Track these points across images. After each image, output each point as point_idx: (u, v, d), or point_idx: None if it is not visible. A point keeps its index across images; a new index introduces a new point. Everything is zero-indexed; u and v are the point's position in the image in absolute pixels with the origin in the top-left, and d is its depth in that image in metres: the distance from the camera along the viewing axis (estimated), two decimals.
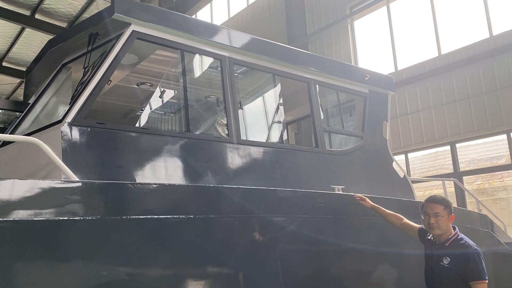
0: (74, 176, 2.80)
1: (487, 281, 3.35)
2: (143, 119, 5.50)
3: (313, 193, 4.01)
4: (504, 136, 8.39)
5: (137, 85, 4.96)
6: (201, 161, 3.74)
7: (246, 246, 3.41)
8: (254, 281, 3.44)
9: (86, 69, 3.55)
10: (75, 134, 3.11)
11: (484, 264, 3.39)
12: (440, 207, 3.52)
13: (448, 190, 7.16)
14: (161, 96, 5.00)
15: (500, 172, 8.54)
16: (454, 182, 7.47)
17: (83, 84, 3.35)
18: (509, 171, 8.31)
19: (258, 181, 3.99)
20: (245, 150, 4.10)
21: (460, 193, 8.36)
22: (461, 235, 3.58)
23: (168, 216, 3.01)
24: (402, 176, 5.56)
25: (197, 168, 3.68)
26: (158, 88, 5.01)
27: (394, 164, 5.56)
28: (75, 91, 3.44)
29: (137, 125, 5.39)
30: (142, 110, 5.48)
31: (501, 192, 8.52)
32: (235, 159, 4.02)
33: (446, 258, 3.51)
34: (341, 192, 4.36)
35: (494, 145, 8.75)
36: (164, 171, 3.51)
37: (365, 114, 5.37)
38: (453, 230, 3.59)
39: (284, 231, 3.66)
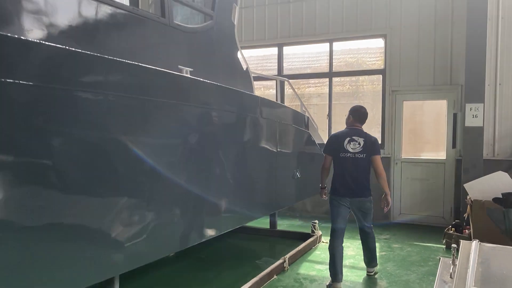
0: None
1: (323, 155, 5.03)
2: None
3: (159, 71, 3.23)
4: (327, 45, 8.75)
5: None
6: None
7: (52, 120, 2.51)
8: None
9: None
10: None
11: (327, 143, 5.00)
12: None
13: (272, 92, 7.15)
14: None
15: (317, 79, 9.03)
16: (286, 83, 7.53)
17: None
18: (325, 79, 8.84)
19: (85, 46, 2.98)
20: (70, 2, 2.98)
21: (279, 94, 8.56)
22: None
23: None
24: (245, 68, 5.16)
25: None
26: None
27: (238, 54, 5.09)
28: None
29: None
30: None
31: (316, 98, 9.09)
32: (55, 12, 2.89)
33: None
34: (189, 76, 3.68)
35: (317, 54, 9.09)
36: None
37: None
38: None
39: (116, 110, 2.83)
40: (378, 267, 5.27)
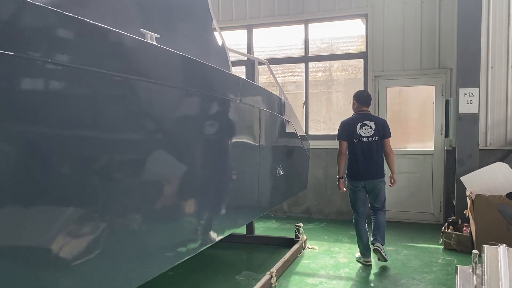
0: None
1: (338, 141, 5.07)
2: None
3: (115, 33, 2.22)
4: (302, 27, 7.90)
5: None
6: None
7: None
8: None
9: None
10: None
11: (340, 129, 5.06)
12: None
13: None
14: None
15: (292, 64, 8.15)
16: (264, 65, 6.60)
17: None
18: (301, 64, 7.99)
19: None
20: None
21: (251, 78, 7.65)
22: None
23: None
24: (220, 44, 4.21)
25: None
26: None
27: (212, 25, 4.13)
28: None
29: None
30: None
31: (290, 85, 8.23)
32: None
33: None
34: (155, 43, 2.68)
35: (292, 37, 8.20)
36: None
37: None
38: None
39: (53, 85, 1.83)
40: (378, 273, 4.52)
